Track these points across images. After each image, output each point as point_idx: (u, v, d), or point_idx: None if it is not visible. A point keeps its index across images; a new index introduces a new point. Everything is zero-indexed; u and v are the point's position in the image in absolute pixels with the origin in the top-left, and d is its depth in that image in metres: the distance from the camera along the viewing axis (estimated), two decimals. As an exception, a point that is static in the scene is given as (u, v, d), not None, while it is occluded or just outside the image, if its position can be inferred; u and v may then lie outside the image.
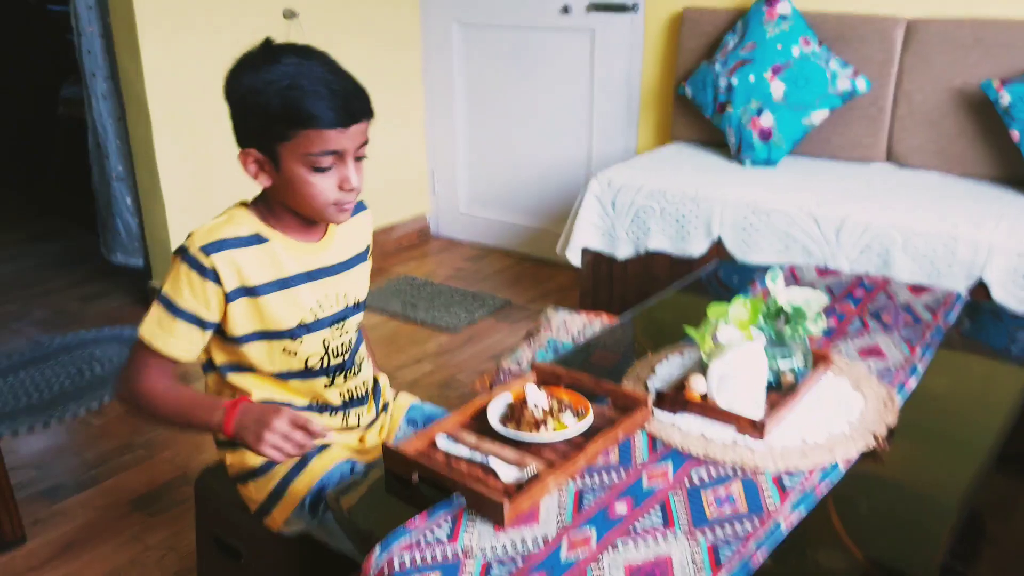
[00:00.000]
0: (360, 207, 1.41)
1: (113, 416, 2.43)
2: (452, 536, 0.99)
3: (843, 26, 2.66)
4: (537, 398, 1.21)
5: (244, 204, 1.27)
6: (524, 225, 3.71)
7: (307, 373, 1.30)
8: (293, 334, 1.26)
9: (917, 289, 1.75)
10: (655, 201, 2.51)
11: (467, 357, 2.75)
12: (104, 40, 2.95)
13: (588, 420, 1.19)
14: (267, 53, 1.17)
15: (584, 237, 2.67)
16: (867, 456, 1.15)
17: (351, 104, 1.16)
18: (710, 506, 1.04)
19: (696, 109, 2.94)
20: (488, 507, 1.02)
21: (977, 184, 2.47)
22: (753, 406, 1.19)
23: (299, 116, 1.13)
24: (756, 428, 1.17)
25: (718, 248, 2.42)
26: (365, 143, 1.22)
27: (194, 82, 2.86)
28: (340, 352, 1.33)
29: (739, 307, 1.18)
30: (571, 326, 1.77)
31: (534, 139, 3.57)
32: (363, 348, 1.42)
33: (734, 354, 1.18)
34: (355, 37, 3.43)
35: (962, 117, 2.50)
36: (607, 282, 2.70)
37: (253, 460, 1.31)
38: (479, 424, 1.22)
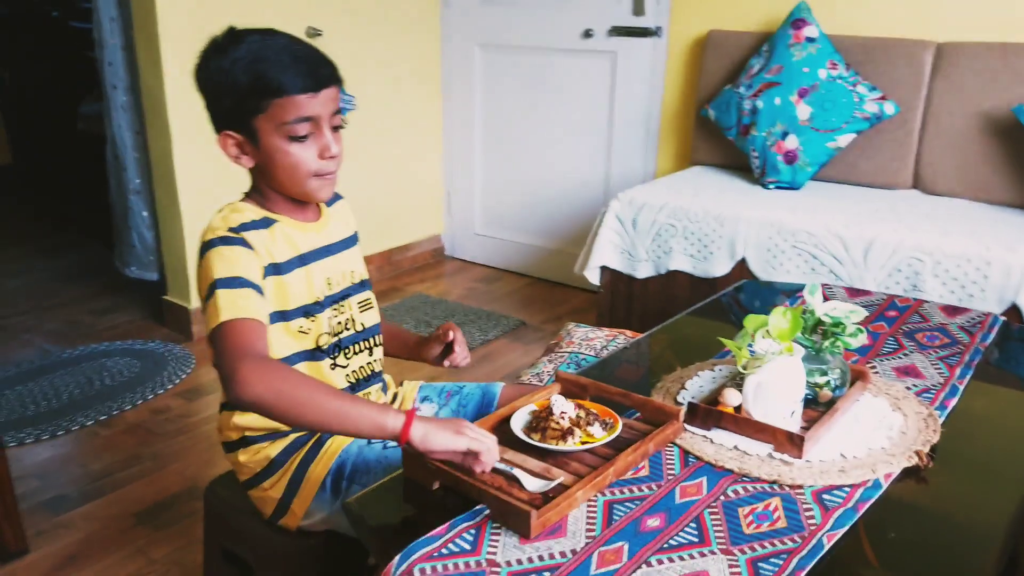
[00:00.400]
0: (337, 197, 1.40)
1: (121, 428, 2.38)
2: (475, 548, 0.94)
3: (871, 50, 2.63)
4: (563, 407, 1.16)
5: (240, 200, 1.28)
6: (539, 247, 3.68)
7: (315, 353, 1.27)
8: (308, 311, 1.24)
9: (951, 310, 1.70)
10: (677, 220, 2.47)
11: (480, 376, 2.70)
12: (126, 52, 2.95)
13: (617, 432, 1.14)
14: (231, 36, 1.18)
15: (603, 256, 2.63)
16: (909, 474, 1.10)
17: (318, 69, 1.17)
18: (748, 522, 0.99)
19: (718, 132, 2.91)
20: (513, 517, 0.96)
21: (1008, 211, 2.42)
22: (790, 419, 1.14)
23: (268, 86, 1.14)
24: (794, 444, 1.11)
25: (741, 269, 2.38)
26: (339, 111, 1.22)
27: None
28: (338, 330, 1.30)
29: (779, 317, 1.13)
30: (593, 341, 1.72)
31: (551, 161, 3.55)
32: (378, 337, 1.39)
33: (772, 365, 1.13)
34: (377, 57, 3.44)
35: (991, 142, 2.46)
36: (626, 302, 2.66)
37: (271, 452, 1.26)
38: (501, 435, 1.17)
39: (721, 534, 0.96)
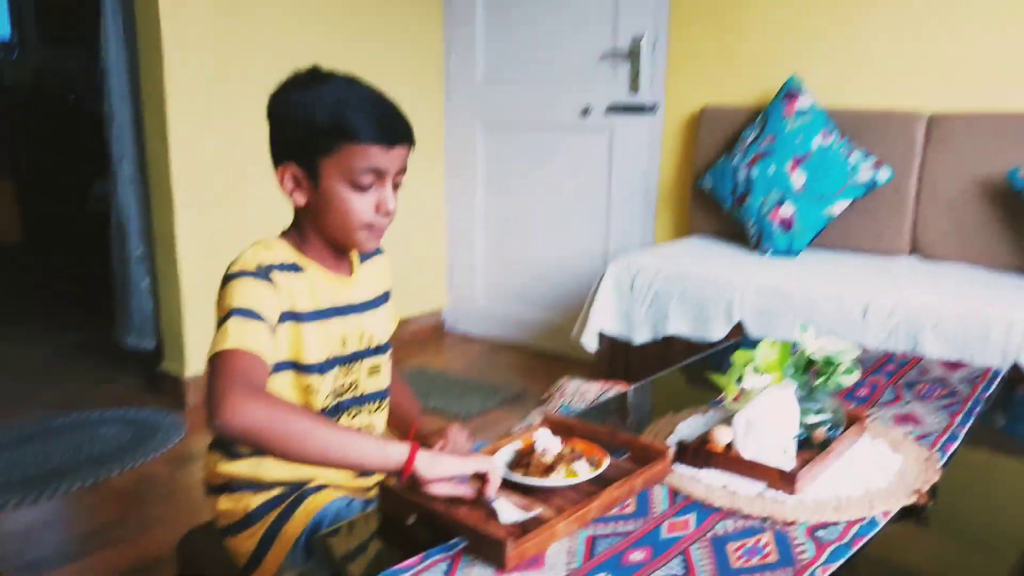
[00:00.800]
0: (378, 251, 1.39)
1: (107, 493, 2.33)
2: (449, 579, 0.90)
3: (863, 121, 2.67)
4: (548, 443, 1.12)
5: (275, 238, 1.25)
6: (540, 320, 3.66)
7: (323, 412, 1.23)
8: (321, 369, 1.20)
9: (951, 365, 1.67)
10: (674, 285, 2.47)
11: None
12: (133, 125, 3.02)
13: (602, 468, 1.10)
14: (315, 74, 1.19)
15: (601, 321, 2.61)
16: (907, 514, 1.05)
17: (396, 123, 1.17)
18: (737, 556, 0.94)
19: (714, 203, 2.93)
20: (489, 548, 0.92)
21: (1007, 275, 2.41)
22: (782, 456, 1.10)
23: (345, 130, 1.14)
24: (787, 481, 1.07)
25: (738, 332, 2.35)
26: (404, 171, 1.21)
27: (220, 169, 2.89)
28: (341, 392, 1.27)
29: (767, 349, 1.11)
30: (586, 393, 1.69)
31: (552, 236, 3.57)
32: (383, 402, 1.35)
33: (762, 399, 1.10)
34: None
35: (987, 207, 2.47)
36: (623, 366, 2.62)
37: (252, 503, 1.22)
38: (485, 473, 1.13)
39: (708, 567, 0.92)
